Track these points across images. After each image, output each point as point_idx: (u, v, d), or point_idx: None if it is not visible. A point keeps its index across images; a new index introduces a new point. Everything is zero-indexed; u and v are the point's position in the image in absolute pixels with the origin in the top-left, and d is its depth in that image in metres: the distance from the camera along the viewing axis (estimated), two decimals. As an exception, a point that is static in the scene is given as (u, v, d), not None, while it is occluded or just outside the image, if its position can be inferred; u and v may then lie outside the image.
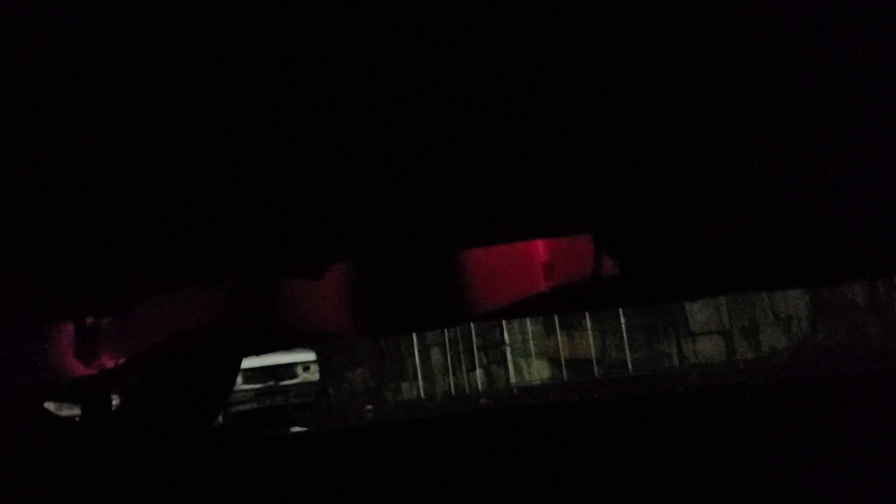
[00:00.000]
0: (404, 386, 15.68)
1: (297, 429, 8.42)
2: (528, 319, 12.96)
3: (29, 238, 1.83)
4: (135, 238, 1.83)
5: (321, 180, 1.59)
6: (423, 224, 1.57)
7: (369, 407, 14.55)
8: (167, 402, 2.86)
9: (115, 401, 3.23)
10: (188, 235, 1.78)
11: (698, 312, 11.54)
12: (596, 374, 12.34)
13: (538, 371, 13.01)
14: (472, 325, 14.03)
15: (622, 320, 12.38)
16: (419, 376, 15.38)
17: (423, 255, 1.70)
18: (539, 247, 1.78)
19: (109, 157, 1.69)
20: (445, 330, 14.66)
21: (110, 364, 2.13)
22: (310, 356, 13.00)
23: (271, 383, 12.33)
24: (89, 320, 2.12)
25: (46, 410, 3.17)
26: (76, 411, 3.59)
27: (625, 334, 12.15)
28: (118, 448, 2.81)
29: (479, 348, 14.02)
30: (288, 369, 12.85)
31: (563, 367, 12.80)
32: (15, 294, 2.06)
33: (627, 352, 12.15)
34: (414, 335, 15.28)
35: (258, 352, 3.03)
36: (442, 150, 1.53)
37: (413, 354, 15.50)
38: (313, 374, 13.25)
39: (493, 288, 1.76)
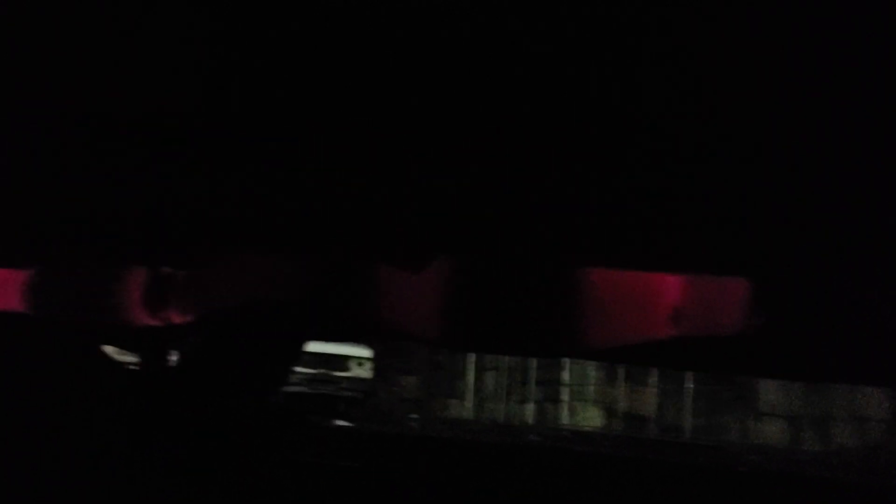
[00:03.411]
0: (453, 403, 15.47)
1: (342, 423, 8.31)
2: (591, 364, 12.64)
3: (112, 174, 1.72)
4: (229, 192, 1.70)
5: (443, 165, 1.43)
6: (548, 231, 1.39)
7: (414, 416, 14.37)
8: (226, 371, 2.74)
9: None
10: (289, 200, 1.64)
11: (769, 392, 11.06)
12: (651, 432, 11.94)
13: (593, 417, 12.66)
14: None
15: (688, 384, 11.98)
16: (470, 397, 15.14)
17: (540, 268, 1.52)
18: (669, 286, 1.56)
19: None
20: (507, 357, 14.43)
21: (178, 320, 2.00)
22: (365, 352, 12.89)
23: (323, 371, 12.21)
24: (165, 269, 2.01)
25: (105, 353, 3.09)
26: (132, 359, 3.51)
27: (688, 399, 11.73)
28: (169, 402, 2.70)
29: (536, 382, 13.72)
30: (342, 361, 12.70)
31: (619, 418, 12.43)
32: (89, 228, 1.95)
33: (689, 417, 11.73)
34: (473, 355, 15.07)
35: (326, 338, 2.91)
36: (585, 154, 1.35)
37: (467, 374, 15.28)
38: (366, 371, 13.11)
39: (605, 324, 1.56)
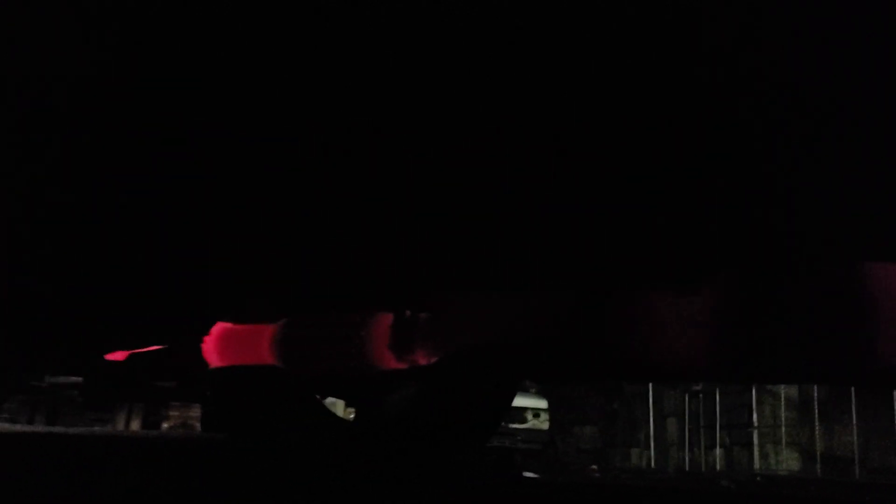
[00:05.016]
0: (634, 452, 14.98)
1: (529, 474, 8.18)
2: (782, 404, 11.93)
3: (355, 225, 1.75)
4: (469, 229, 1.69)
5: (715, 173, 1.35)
6: (826, 228, 1.27)
7: (594, 466, 14.00)
8: (445, 418, 2.72)
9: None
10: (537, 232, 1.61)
11: None
12: (856, 475, 11.07)
13: (787, 461, 11.89)
14: (717, 401, 13.12)
15: (894, 422, 11.07)
16: (651, 445, 14.61)
17: (826, 275, 1.40)
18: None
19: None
20: (687, 402, 13.86)
21: (423, 361, 2.01)
22: (541, 403, 12.70)
23: (501, 423, 12.06)
24: (407, 312, 2.03)
25: (323, 405, 3.16)
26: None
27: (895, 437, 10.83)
28: (383, 456, 2.71)
29: (721, 427, 13.07)
30: (518, 413, 12.56)
31: (818, 461, 11.60)
32: (335, 278, 2.00)
33: (898, 457, 10.82)
34: (651, 404, 14.59)
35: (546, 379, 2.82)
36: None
37: (647, 421, 14.78)
38: (543, 423, 12.87)
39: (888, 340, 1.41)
